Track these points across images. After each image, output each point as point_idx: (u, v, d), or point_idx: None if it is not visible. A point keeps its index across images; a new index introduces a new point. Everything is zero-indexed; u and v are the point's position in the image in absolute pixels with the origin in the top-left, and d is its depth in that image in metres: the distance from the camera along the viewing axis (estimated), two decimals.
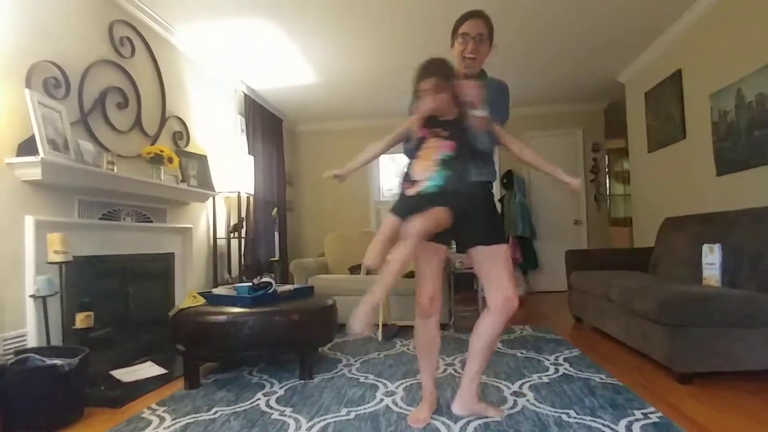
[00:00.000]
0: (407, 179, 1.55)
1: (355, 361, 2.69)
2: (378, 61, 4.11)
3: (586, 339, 3.14)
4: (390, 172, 6.32)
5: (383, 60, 4.08)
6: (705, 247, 2.47)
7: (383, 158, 6.21)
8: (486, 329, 1.72)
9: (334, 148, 6.08)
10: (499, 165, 5.86)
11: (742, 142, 2.89)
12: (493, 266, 1.71)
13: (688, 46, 3.48)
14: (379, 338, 3.26)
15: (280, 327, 2.27)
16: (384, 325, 3.40)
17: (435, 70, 1.55)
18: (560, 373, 2.33)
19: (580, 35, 3.72)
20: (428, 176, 1.49)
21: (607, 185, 5.80)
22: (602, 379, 2.21)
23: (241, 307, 2.33)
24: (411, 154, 1.63)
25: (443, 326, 3.59)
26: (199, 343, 2.27)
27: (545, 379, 2.24)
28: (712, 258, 2.43)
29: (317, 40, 3.64)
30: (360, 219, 5.98)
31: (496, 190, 5.89)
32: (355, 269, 4.22)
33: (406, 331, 3.47)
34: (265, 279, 2.53)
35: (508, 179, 5.72)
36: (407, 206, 1.50)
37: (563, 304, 4.04)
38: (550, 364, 2.51)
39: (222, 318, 2.25)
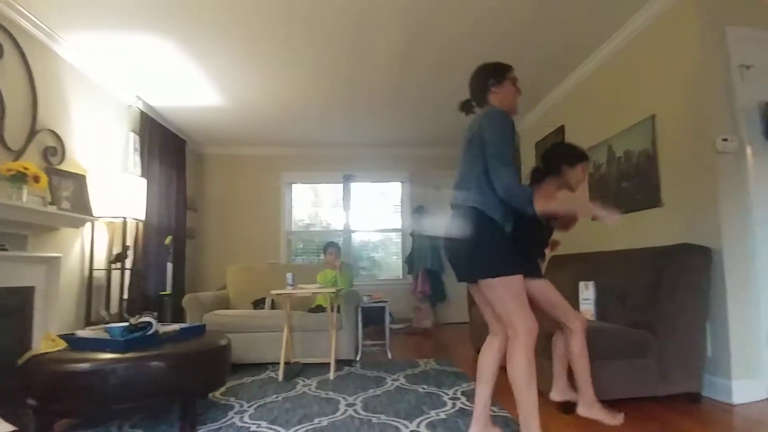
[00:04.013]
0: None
1: (249, 406, 2.49)
2: (291, 91, 4.08)
3: None
4: (303, 202, 6.22)
5: (297, 89, 4.05)
6: (581, 284, 2.73)
7: (297, 187, 6.11)
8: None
9: (244, 175, 5.85)
10: (410, 200, 6.07)
11: (612, 191, 3.30)
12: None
13: (569, 106, 3.96)
14: (280, 378, 3.07)
15: (156, 374, 2.00)
16: (286, 363, 3.22)
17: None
18: (457, 408, 2.36)
19: None
20: None
21: None
22: (494, 412, 2.27)
23: (111, 352, 2.02)
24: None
25: (349, 362, 3.51)
26: (54, 396, 1.92)
27: (442, 415, 2.25)
28: (587, 294, 2.68)
29: (223, 63, 3.51)
30: (269, 249, 5.73)
31: (407, 224, 6.06)
32: (259, 303, 3.98)
33: (309, 369, 3.32)
34: (145, 318, 2.25)
35: (419, 214, 5.91)
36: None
37: (467, 336, 4.18)
38: (449, 398, 2.54)
39: (84, 366, 1.91)
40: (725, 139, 2.43)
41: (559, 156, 1.87)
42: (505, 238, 1.69)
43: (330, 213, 6.27)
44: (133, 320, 2.33)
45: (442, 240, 1.81)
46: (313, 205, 6.34)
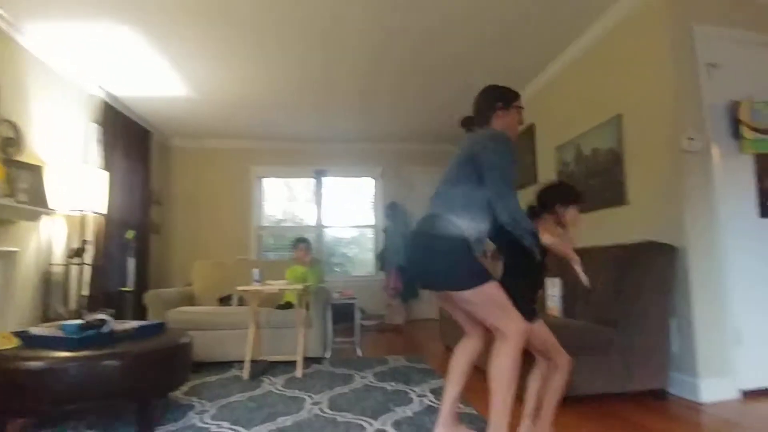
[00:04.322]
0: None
1: (211, 406, 2.41)
2: (261, 83, 3.98)
3: None
4: (277, 197, 6.11)
5: (266, 82, 3.96)
6: (548, 281, 2.77)
7: (269, 182, 5.99)
8: None
9: (213, 168, 5.69)
10: (384, 196, 6.04)
11: (580, 188, 3.35)
12: None
13: (540, 105, 4.01)
14: (245, 376, 2.99)
15: (112, 373, 1.93)
16: (253, 361, 3.14)
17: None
18: (424, 406, 2.35)
19: (457, 89, 4.13)
20: None
21: None
22: (460, 408, 2.27)
23: (65, 350, 1.94)
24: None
25: (317, 360, 3.46)
26: (5, 394, 1.83)
27: (409, 413, 2.23)
28: (554, 290, 2.72)
29: (189, 53, 3.38)
30: (238, 245, 5.61)
31: (380, 221, 6.03)
32: (226, 300, 3.88)
33: (276, 368, 3.26)
34: (100, 316, 2.16)
35: (392, 211, 5.89)
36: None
37: (438, 332, 4.19)
38: (416, 396, 2.53)
39: (36, 364, 1.84)
40: (691, 138, 2.47)
41: (553, 195, 1.87)
42: (473, 255, 1.65)
43: (304, 208, 6.18)
44: (88, 318, 2.25)
45: (410, 242, 1.78)
46: (288, 200, 6.24)
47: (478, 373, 1.68)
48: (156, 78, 3.81)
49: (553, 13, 2.95)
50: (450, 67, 3.72)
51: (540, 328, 1.81)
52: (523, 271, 1.78)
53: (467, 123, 1.91)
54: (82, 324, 2.15)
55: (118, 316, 3.71)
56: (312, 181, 5.96)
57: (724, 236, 2.48)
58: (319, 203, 5.95)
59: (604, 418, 2.12)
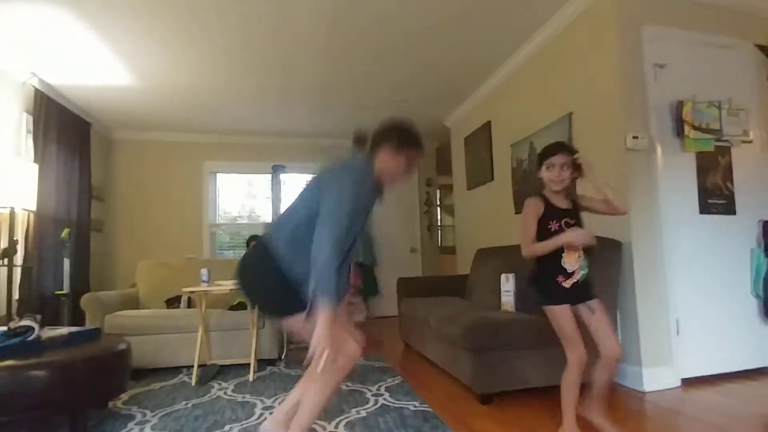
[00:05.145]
0: (561, 271, 1.77)
1: (153, 415, 2.26)
2: (209, 73, 3.78)
3: (411, 364, 3.25)
4: (235, 193, 5.88)
5: (215, 72, 3.76)
6: (503, 276, 2.80)
7: (225, 177, 5.76)
8: None
9: (161, 162, 5.40)
10: None
11: (532, 186, 3.42)
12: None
13: (495, 102, 4.06)
14: (193, 382, 2.84)
15: (37, 384, 1.77)
16: (201, 366, 2.99)
17: None
18: (379, 405, 2.31)
19: (411, 83, 4.09)
20: (580, 266, 1.76)
21: (439, 217, 6.37)
22: (416, 407, 2.26)
23: None
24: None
25: (272, 362, 3.34)
26: None
27: (363, 413, 2.19)
28: (508, 286, 2.75)
29: (130, 39, 3.15)
30: (189, 243, 5.34)
31: None
32: (173, 302, 3.68)
33: (228, 371, 3.12)
34: (24, 322, 1.97)
35: None
36: (567, 296, 1.78)
37: (398, 330, 4.17)
38: (372, 395, 2.49)
39: None
40: (635, 137, 2.55)
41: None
42: (290, 285, 1.47)
43: (263, 205, 5.99)
44: (12, 324, 2.05)
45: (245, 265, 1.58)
46: (247, 196, 6.02)
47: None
48: (95, 66, 3.54)
49: (507, 7, 2.94)
50: (405, 63, 3.68)
51: (561, 314, 1.77)
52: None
53: (359, 140, 1.71)
54: (6, 331, 1.98)
55: (53, 322, 3.44)
56: (269, 176, 5.79)
57: (666, 232, 2.58)
58: (277, 199, 5.78)
59: (551, 409, 2.16)
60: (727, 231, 2.72)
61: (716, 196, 2.74)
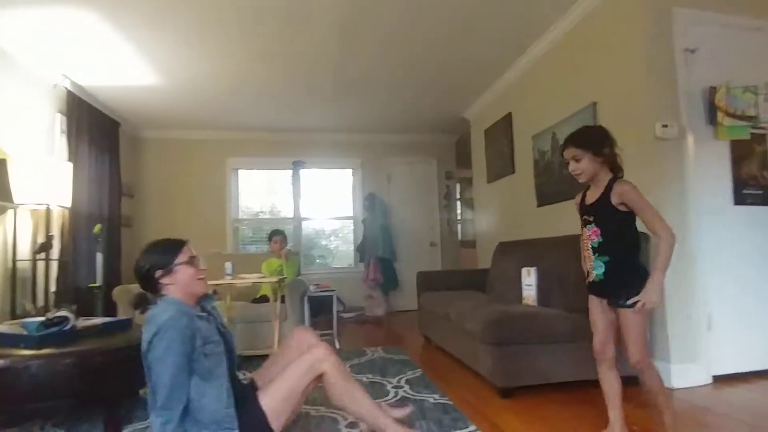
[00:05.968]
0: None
1: None
2: (233, 72, 3.85)
3: (431, 358, 3.26)
4: (256, 189, 5.99)
5: (239, 71, 3.83)
6: (524, 270, 2.77)
7: (246, 173, 5.87)
8: None
9: (186, 160, 5.54)
10: (362, 188, 5.99)
11: (555, 178, 3.36)
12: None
13: (517, 93, 3.98)
14: None
15: (72, 372, 1.85)
16: None
17: None
18: (398, 397, 2.33)
19: (431, 77, 4.07)
20: (592, 266, 1.68)
21: (459, 210, 6.32)
22: (435, 399, 2.26)
23: (24, 348, 1.87)
24: None
25: None
26: None
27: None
28: (529, 280, 2.72)
29: (157, 40, 3.23)
30: (214, 238, 5.48)
31: (359, 212, 5.97)
32: None
33: (251, 362, 3.19)
34: (61, 313, 2.06)
35: (370, 202, 5.85)
36: (590, 289, 1.72)
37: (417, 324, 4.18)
38: (392, 387, 2.51)
39: None
40: (665, 126, 2.45)
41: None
42: None
43: (284, 200, 6.09)
44: (49, 315, 2.16)
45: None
46: (267, 192, 6.13)
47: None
48: (123, 66, 3.65)
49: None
50: (425, 55, 3.65)
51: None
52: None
53: (140, 304, 1.64)
54: (44, 321, 2.08)
55: (87, 313, 3.59)
56: (290, 172, 5.86)
57: (697, 224, 2.49)
58: (297, 195, 5.86)
59: (578, 405, 2.13)
60: (764, 222, 2.61)
61: (752, 186, 2.62)
